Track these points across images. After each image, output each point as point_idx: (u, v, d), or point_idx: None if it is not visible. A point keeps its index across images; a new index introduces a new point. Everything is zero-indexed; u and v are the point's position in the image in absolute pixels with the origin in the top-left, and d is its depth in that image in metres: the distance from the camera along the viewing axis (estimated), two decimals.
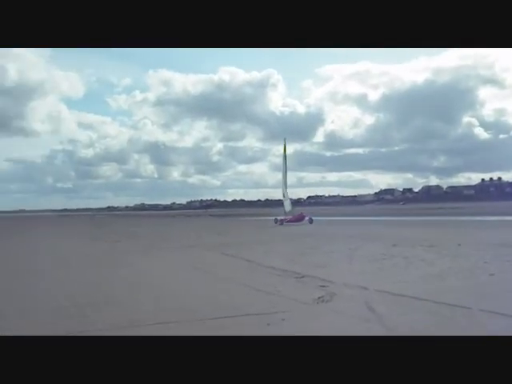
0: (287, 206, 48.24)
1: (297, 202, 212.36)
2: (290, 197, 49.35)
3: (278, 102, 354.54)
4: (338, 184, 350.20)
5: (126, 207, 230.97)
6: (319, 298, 9.30)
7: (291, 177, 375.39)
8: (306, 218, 45.43)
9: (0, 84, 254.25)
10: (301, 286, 10.76)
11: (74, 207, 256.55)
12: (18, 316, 8.58)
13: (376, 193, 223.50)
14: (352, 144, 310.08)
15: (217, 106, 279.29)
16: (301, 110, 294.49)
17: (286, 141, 56.66)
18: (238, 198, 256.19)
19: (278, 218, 46.38)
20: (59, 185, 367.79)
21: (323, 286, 10.47)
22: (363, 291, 9.87)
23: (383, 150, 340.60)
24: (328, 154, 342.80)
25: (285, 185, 48.22)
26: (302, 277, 11.94)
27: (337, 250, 18.49)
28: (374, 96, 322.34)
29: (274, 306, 8.68)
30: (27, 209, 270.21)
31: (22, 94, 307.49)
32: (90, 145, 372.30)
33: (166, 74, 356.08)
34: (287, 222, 44.89)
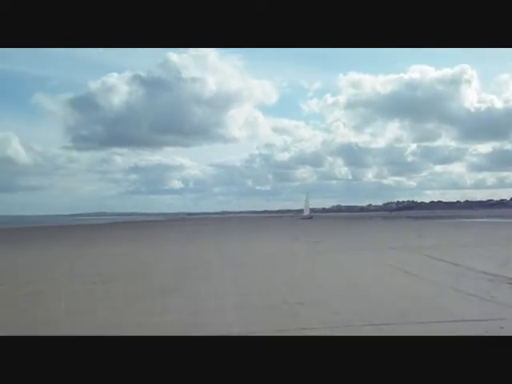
0: (306, 212, 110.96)
1: (499, 204, 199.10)
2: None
3: (473, 98, 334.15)
4: None
5: (323, 209, 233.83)
6: None
7: (491, 177, 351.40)
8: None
9: (201, 95, 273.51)
10: None
11: (274, 209, 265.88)
12: (234, 311, 9.15)
13: None
14: None
15: (408, 106, 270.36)
16: (498, 105, 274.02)
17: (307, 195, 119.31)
18: (435, 200, 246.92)
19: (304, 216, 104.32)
20: (258, 187, 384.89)
21: None
22: None
23: None
24: None
25: (307, 205, 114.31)
26: None
27: None
28: None
29: (491, 313, 8.28)
30: (229, 210, 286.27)
31: (220, 103, 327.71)
32: (286, 148, 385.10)
33: (355, 76, 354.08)
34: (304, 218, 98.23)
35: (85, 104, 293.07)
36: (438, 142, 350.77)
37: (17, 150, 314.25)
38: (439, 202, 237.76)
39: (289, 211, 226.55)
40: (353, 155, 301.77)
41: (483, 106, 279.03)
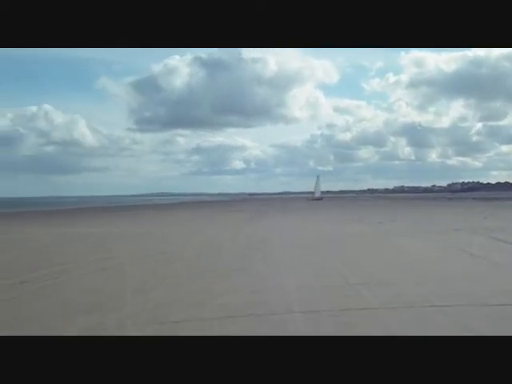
0: (317, 194, 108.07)
1: None
2: None
3: None
4: None
5: (386, 189, 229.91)
6: None
7: None
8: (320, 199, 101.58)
9: (262, 75, 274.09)
10: None
11: (335, 189, 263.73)
12: (295, 291, 9.18)
13: None
14: None
15: (473, 84, 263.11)
16: None
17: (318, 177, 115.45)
18: (502, 181, 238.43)
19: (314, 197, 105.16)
20: (320, 168, 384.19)
21: None
22: None
23: None
24: None
25: (318, 187, 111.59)
26: None
27: None
28: None
29: None
30: (291, 190, 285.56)
31: (281, 83, 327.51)
32: (347, 129, 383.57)
33: (417, 54, 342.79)
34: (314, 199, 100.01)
35: (147, 87, 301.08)
36: (505, 121, 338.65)
37: (83, 132, 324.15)
38: (506, 183, 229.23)
39: (352, 192, 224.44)
40: (416, 135, 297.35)
41: None
